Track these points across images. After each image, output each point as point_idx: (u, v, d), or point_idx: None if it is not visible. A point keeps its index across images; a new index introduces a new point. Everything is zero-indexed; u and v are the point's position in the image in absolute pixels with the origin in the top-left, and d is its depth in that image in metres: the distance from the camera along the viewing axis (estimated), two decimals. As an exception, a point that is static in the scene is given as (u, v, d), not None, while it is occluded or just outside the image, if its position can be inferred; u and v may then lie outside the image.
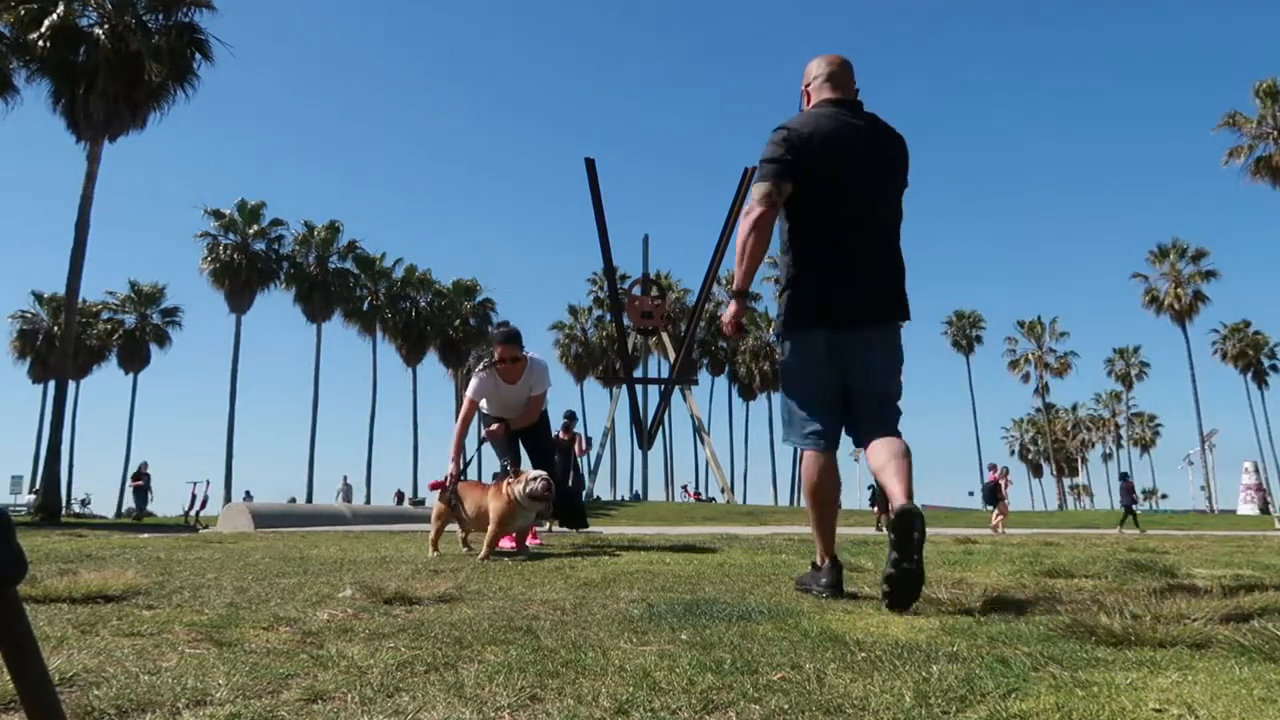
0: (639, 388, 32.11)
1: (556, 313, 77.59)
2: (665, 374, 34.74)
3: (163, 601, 2.49)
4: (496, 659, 1.64)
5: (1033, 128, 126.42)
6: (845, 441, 2.96)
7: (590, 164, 27.15)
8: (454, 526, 5.07)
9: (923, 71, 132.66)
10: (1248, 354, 54.34)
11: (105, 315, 45.16)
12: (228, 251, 40.23)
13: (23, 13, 19.92)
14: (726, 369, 55.38)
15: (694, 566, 3.81)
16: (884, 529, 17.48)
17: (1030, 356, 59.47)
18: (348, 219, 74.43)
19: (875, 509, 21.58)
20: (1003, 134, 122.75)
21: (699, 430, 38.92)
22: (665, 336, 34.17)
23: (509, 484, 4.57)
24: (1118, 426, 79.66)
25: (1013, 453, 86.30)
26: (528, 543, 5.18)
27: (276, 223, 41.91)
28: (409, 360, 47.71)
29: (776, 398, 3.24)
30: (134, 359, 45.31)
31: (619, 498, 43.42)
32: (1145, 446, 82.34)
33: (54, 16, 20.07)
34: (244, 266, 40.09)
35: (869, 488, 22.39)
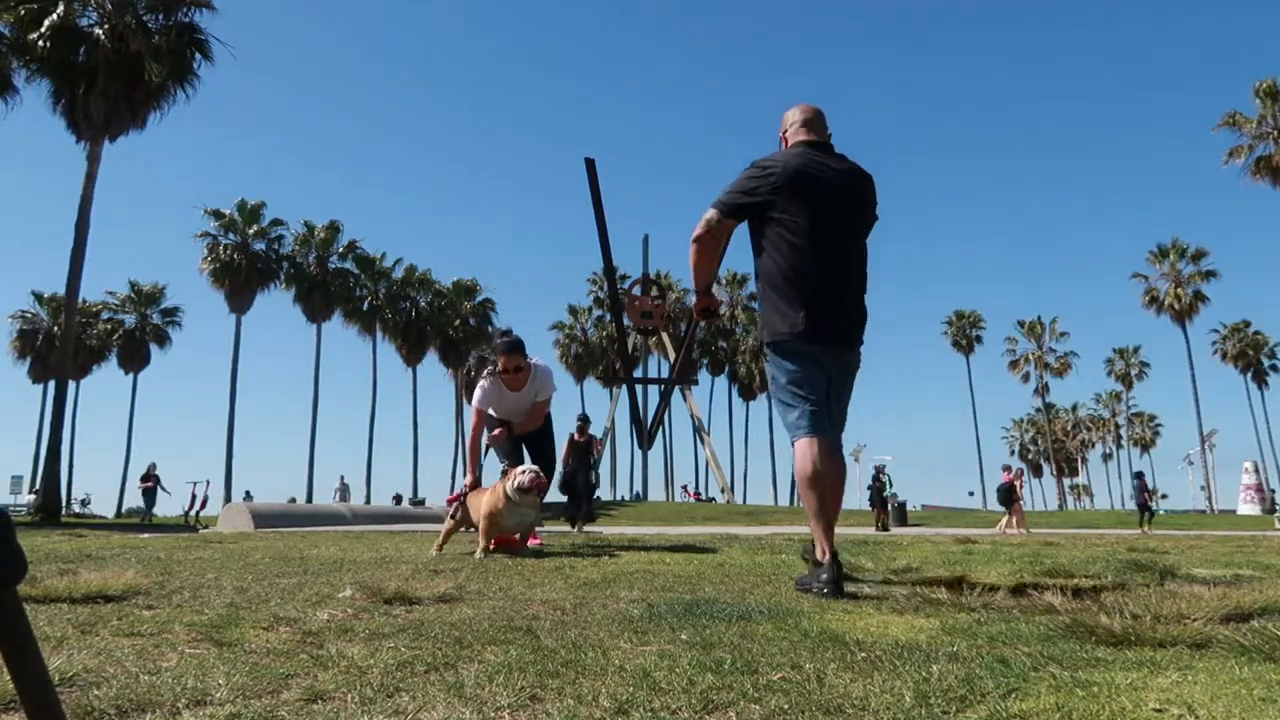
0: (639, 388, 32.11)
1: (556, 313, 77.60)
2: (665, 374, 34.75)
3: (163, 601, 2.49)
4: (496, 659, 1.64)
5: (1033, 128, 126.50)
6: (844, 444, 3.04)
7: (590, 164, 27.14)
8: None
9: (923, 71, 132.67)
10: (1248, 354, 54.35)
11: (105, 315, 45.17)
12: (228, 251, 40.23)
13: (23, 13, 19.93)
14: (726, 369, 55.39)
15: (694, 566, 3.81)
16: (883, 529, 17.60)
17: (1030, 356, 59.49)
18: (348, 219, 74.54)
19: (875, 509, 21.59)
20: (1003, 134, 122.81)
21: (699, 430, 38.94)
22: (665, 336, 34.18)
23: (499, 482, 4.62)
24: (1118, 426, 79.67)
25: (1013, 453, 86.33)
26: (530, 542, 5.19)
27: (276, 223, 41.95)
28: (409, 360, 47.71)
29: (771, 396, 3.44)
30: (134, 359, 45.30)
31: (619, 498, 43.41)
32: (1145, 446, 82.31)
33: (54, 16, 20.08)
34: (244, 266, 40.09)
35: (868, 488, 22.34)
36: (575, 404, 55.25)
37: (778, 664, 1.59)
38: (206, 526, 16.35)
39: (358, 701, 1.32)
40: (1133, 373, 67.02)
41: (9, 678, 0.64)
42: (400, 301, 46.96)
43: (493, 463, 5.29)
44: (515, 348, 5.03)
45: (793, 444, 3.05)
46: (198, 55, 22.12)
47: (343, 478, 28.39)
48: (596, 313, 52.89)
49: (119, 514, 42.23)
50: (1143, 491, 21.41)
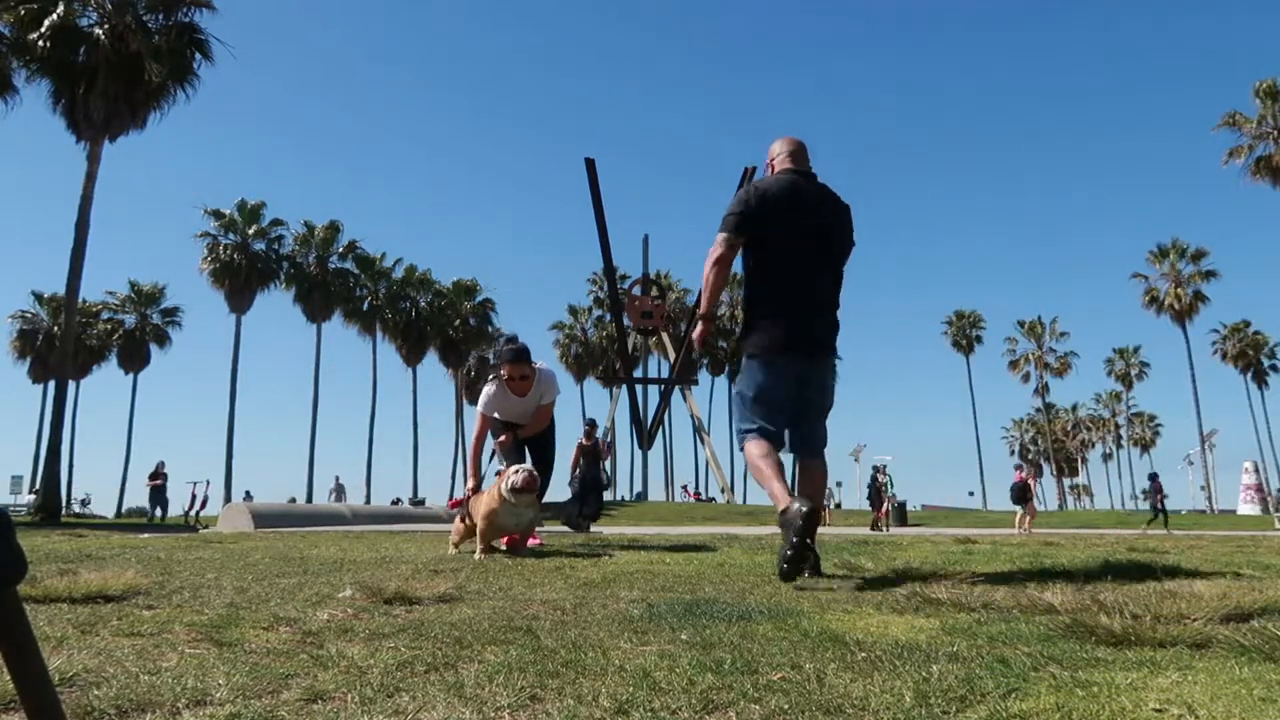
0: (639, 388, 32.11)
1: (556, 313, 77.53)
2: (665, 374, 34.77)
3: (163, 601, 2.49)
4: (496, 659, 1.64)
5: (1033, 128, 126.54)
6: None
7: (590, 164, 27.16)
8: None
9: (923, 71, 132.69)
10: (1248, 354, 54.36)
11: (105, 315, 45.18)
12: (228, 251, 40.24)
13: (23, 13, 19.93)
14: (726, 369, 55.36)
15: (694, 566, 3.80)
16: (881, 529, 17.70)
17: (1030, 356, 59.49)
18: (348, 219, 74.51)
19: (874, 510, 21.59)
20: (1003, 134, 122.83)
21: (699, 430, 38.91)
22: (665, 336, 34.18)
23: (496, 483, 4.64)
24: (1118, 426, 79.68)
25: (1012, 453, 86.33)
26: (530, 543, 5.19)
27: (276, 223, 41.95)
28: (409, 360, 47.70)
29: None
30: (134, 359, 45.31)
31: (619, 498, 43.42)
32: (1145, 446, 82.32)
33: (54, 16, 20.08)
34: (244, 266, 40.10)
35: (868, 485, 22.37)
36: (575, 404, 55.25)
37: (778, 664, 1.59)
38: (206, 526, 16.35)
39: (358, 701, 1.32)
40: (1133, 373, 67.04)
41: (9, 678, 0.64)
42: (400, 301, 46.96)
43: (496, 466, 5.32)
44: (521, 356, 5.02)
45: (742, 446, 3.46)
46: (198, 55, 22.13)
47: (338, 478, 28.17)
48: (596, 313, 52.89)
49: (119, 514, 42.25)
50: (1158, 494, 21.48)
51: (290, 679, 1.46)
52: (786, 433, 3.48)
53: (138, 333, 45.24)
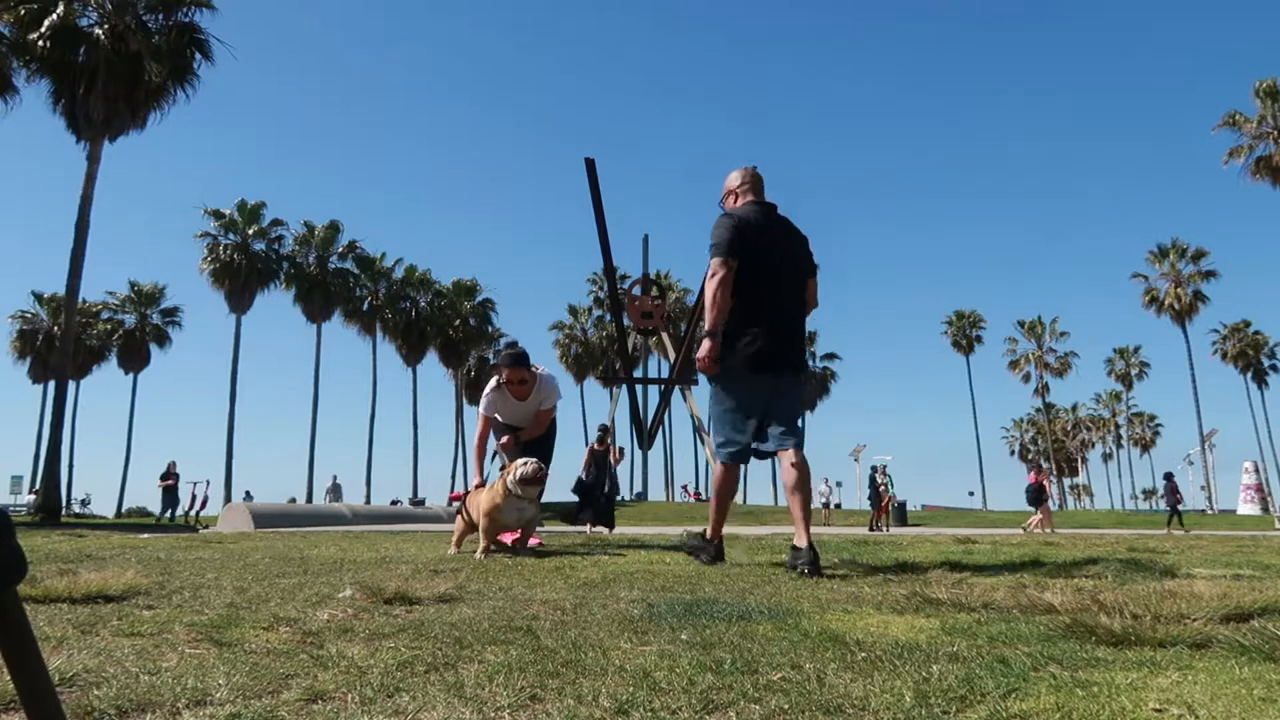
0: (639, 388, 32.09)
1: (556, 313, 77.45)
2: (665, 374, 34.72)
3: (163, 601, 2.49)
4: (496, 659, 1.64)
5: (1033, 127, 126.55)
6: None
7: (590, 163, 27.12)
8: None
9: (923, 71, 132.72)
10: (1248, 354, 54.34)
11: (105, 315, 45.17)
12: (228, 251, 40.24)
13: (23, 13, 19.93)
14: (726, 369, 55.31)
15: (694, 566, 3.80)
16: (880, 529, 17.79)
17: (1030, 356, 59.46)
18: (348, 219, 74.58)
19: (873, 510, 21.59)
20: (1003, 133, 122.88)
21: (699, 430, 38.84)
22: (665, 336, 34.16)
23: (499, 478, 4.67)
24: (1118, 426, 79.72)
25: (1013, 453, 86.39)
26: (530, 543, 5.19)
27: (276, 223, 41.96)
28: (409, 360, 47.69)
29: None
30: (134, 359, 45.30)
31: (619, 498, 43.40)
32: (1145, 446, 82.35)
33: (54, 16, 20.08)
34: (244, 266, 40.10)
35: (868, 485, 22.37)
36: (575, 404, 55.25)
37: (778, 664, 1.59)
38: (206, 526, 16.34)
39: (358, 701, 1.32)
40: (1133, 373, 67.04)
41: (9, 678, 0.64)
42: (400, 301, 46.95)
43: (498, 465, 5.34)
44: (519, 360, 5.06)
45: (720, 462, 3.91)
46: (198, 55, 22.14)
47: (335, 478, 27.18)
48: (596, 313, 52.86)
49: (119, 514, 42.25)
50: (1174, 493, 21.48)
51: (290, 679, 1.46)
52: (754, 443, 3.86)
53: (138, 333, 45.24)
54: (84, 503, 49.24)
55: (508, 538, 4.90)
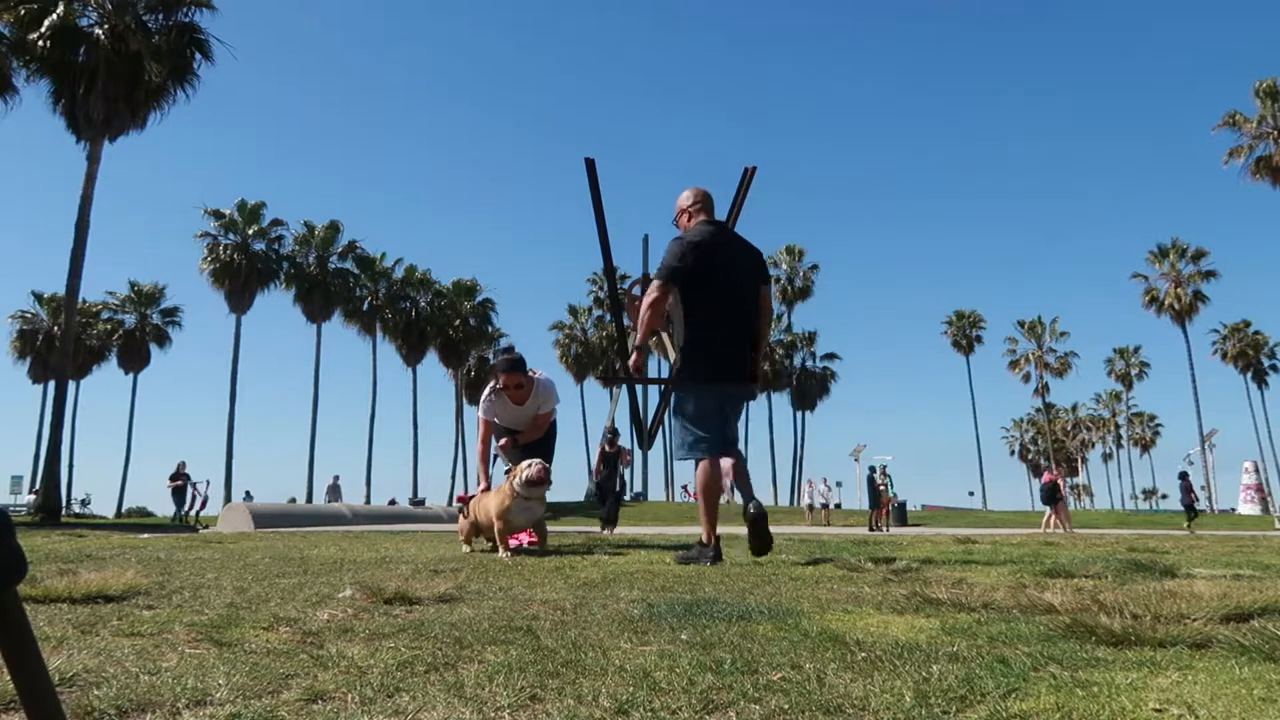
0: (639, 388, 32.05)
1: (556, 313, 77.39)
2: (665, 374, 34.69)
3: (163, 601, 2.49)
4: (496, 659, 1.64)
5: (1033, 127, 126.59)
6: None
7: (590, 163, 27.12)
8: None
9: (923, 71, 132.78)
10: (1248, 354, 54.34)
11: (105, 315, 45.18)
12: (228, 251, 40.24)
13: (23, 13, 19.93)
14: (726, 369, 55.32)
15: (694, 567, 3.81)
16: (879, 528, 17.88)
17: (1030, 356, 59.46)
18: (348, 219, 74.53)
19: (871, 510, 21.59)
20: (1003, 133, 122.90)
21: (699, 430, 38.79)
22: (665, 336, 34.16)
23: (505, 482, 4.71)
24: (1118, 426, 79.76)
25: (1013, 453, 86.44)
26: (526, 542, 5.20)
27: (276, 223, 41.96)
28: (409, 360, 47.68)
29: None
30: (134, 359, 45.30)
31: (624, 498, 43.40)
32: (1145, 446, 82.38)
33: (54, 16, 20.08)
34: (244, 266, 40.10)
35: (867, 485, 22.33)
36: (576, 404, 55.21)
37: (778, 664, 1.59)
38: (206, 526, 16.34)
39: (358, 701, 1.32)
40: (1133, 373, 67.06)
41: (9, 678, 0.64)
42: (400, 301, 46.95)
43: (498, 469, 5.37)
44: (515, 366, 5.12)
45: (696, 462, 4.17)
46: (198, 55, 22.14)
47: (336, 478, 26.41)
48: (596, 313, 52.85)
49: (119, 514, 42.25)
50: (1189, 492, 21.46)
51: (290, 679, 1.46)
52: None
53: (138, 333, 45.23)
54: (84, 503, 49.22)
55: (519, 539, 4.94)
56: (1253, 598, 2.27)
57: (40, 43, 20.00)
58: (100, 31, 20.79)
